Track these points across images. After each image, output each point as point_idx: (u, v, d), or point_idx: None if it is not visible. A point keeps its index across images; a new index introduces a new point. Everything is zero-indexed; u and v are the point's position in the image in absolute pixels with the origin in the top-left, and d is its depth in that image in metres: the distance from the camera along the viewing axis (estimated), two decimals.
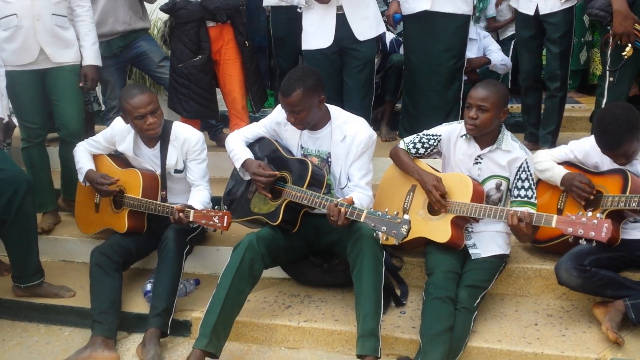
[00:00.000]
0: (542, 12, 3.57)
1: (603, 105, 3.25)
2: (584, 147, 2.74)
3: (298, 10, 3.51)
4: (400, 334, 2.55)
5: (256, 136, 2.93)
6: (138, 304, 2.93)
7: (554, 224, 2.31)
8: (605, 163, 2.65)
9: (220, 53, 3.70)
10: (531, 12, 3.61)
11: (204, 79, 3.67)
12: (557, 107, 3.70)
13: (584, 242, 2.28)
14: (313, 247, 2.83)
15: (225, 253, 2.69)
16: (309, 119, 2.64)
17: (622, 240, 2.56)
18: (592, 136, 2.70)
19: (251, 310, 2.77)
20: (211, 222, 2.61)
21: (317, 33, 3.42)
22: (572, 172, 2.68)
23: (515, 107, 4.53)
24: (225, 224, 2.60)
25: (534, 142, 3.71)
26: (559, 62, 3.59)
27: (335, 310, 2.75)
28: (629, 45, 3.05)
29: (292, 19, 3.88)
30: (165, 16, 3.79)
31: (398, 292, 2.81)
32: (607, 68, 3.23)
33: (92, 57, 3.35)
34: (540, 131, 3.76)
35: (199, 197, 2.92)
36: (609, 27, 3.13)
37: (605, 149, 2.54)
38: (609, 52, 3.16)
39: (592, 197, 2.60)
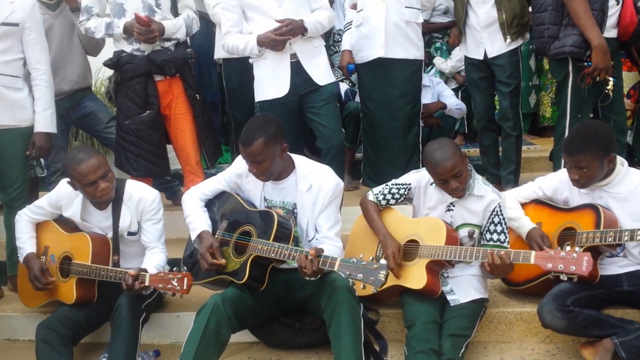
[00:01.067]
0: (489, 55, 3.65)
1: None
2: (551, 183, 2.70)
3: (249, 61, 3.44)
4: None
5: (215, 192, 2.78)
6: None
7: (532, 261, 2.23)
8: (575, 197, 2.61)
9: (170, 107, 3.57)
10: (480, 57, 3.69)
11: (153, 134, 3.51)
12: (513, 146, 3.72)
13: (565, 278, 2.19)
14: (283, 305, 2.64)
15: (187, 319, 2.49)
16: (272, 168, 2.52)
17: (601, 277, 2.49)
18: (560, 171, 2.68)
19: None
20: (169, 286, 2.41)
21: (272, 83, 3.35)
22: (536, 230, 2.59)
23: (472, 150, 4.57)
24: (185, 287, 2.40)
25: (497, 182, 3.70)
26: (509, 102, 3.65)
27: None
28: (611, 79, 3.10)
29: (244, 70, 3.79)
30: (109, 72, 3.65)
31: (376, 347, 2.63)
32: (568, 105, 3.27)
33: (42, 123, 3.17)
34: (502, 172, 3.78)
35: (154, 261, 2.71)
36: (585, 64, 3.14)
37: (566, 151, 2.48)
38: (586, 89, 3.18)
39: None
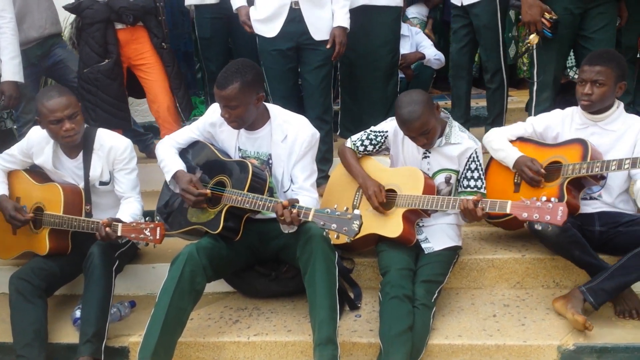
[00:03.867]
0: (465, 2, 3.58)
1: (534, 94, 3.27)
2: (544, 120, 2.74)
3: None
4: (358, 338, 2.41)
5: (189, 141, 2.73)
6: (67, 334, 2.64)
7: (508, 210, 2.25)
8: (567, 133, 2.65)
9: (137, 58, 3.46)
10: (458, 3, 3.63)
11: (111, 85, 3.41)
12: (491, 100, 3.68)
13: (540, 227, 2.22)
14: (259, 255, 2.65)
15: (163, 270, 2.47)
16: (244, 116, 2.47)
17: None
18: (554, 110, 2.76)
19: (195, 329, 2.55)
20: (142, 236, 2.38)
21: (266, 21, 3.21)
22: (525, 156, 2.63)
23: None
24: (158, 237, 2.37)
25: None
26: (486, 54, 3.58)
27: (287, 321, 2.58)
28: (533, 33, 3.07)
29: (217, 18, 3.69)
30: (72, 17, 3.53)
31: (351, 294, 2.67)
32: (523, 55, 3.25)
33: (10, 72, 3.08)
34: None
35: (128, 210, 2.68)
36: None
37: (589, 62, 2.54)
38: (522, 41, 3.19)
39: (541, 185, 2.59)
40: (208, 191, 2.50)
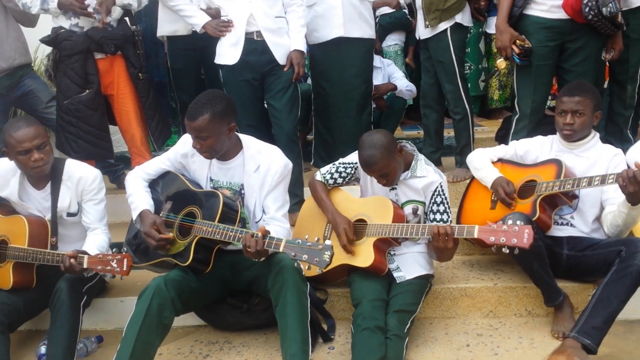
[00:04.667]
0: (420, 37, 3.69)
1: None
2: (525, 144, 2.83)
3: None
4: None
5: (159, 172, 2.70)
6: None
7: (476, 235, 2.26)
8: (544, 157, 2.73)
9: (113, 87, 3.44)
10: (417, 37, 3.75)
11: (93, 115, 3.38)
12: (456, 130, 3.68)
13: (507, 251, 2.23)
14: (230, 286, 2.61)
15: (131, 304, 2.40)
16: (216, 146, 2.46)
17: (545, 236, 2.60)
18: (536, 137, 2.87)
19: None
20: (108, 268, 2.33)
21: (227, 48, 3.28)
22: (502, 177, 2.72)
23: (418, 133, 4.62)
24: (125, 268, 2.32)
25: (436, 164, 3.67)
26: (445, 86, 3.59)
27: (259, 355, 2.53)
28: (500, 59, 3.19)
29: (189, 49, 3.70)
30: (50, 50, 3.49)
31: (325, 326, 2.64)
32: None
33: None
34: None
35: (95, 242, 2.63)
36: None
37: (567, 93, 2.63)
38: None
39: (512, 207, 2.64)
40: (171, 235, 2.45)
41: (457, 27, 3.50)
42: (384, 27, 5.00)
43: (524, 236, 2.14)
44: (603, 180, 2.42)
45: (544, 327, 2.60)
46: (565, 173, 2.57)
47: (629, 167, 2.68)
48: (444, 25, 3.48)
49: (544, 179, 2.61)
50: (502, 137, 3.77)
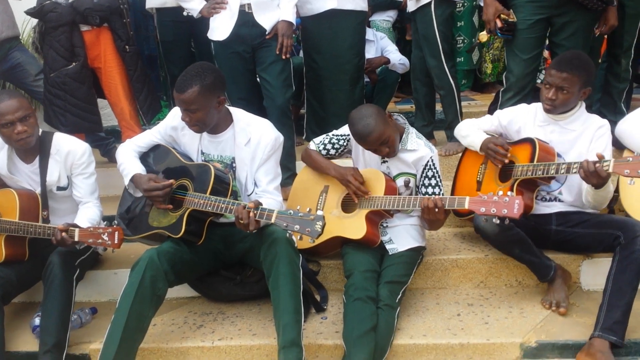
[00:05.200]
0: (408, 10, 3.64)
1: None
2: (509, 114, 2.77)
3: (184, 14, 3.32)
4: (324, 340, 2.40)
5: (150, 144, 2.69)
6: (27, 342, 2.57)
7: (466, 206, 2.27)
8: (528, 128, 2.67)
9: (100, 60, 3.40)
10: (409, 9, 3.68)
11: (80, 88, 3.35)
12: (445, 105, 3.64)
13: (497, 221, 2.24)
14: (223, 259, 2.62)
15: (124, 276, 2.41)
16: (206, 119, 2.44)
17: (533, 215, 2.61)
18: (519, 105, 2.83)
19: (158, 335, 2.50)
20: (100, 241, 2.33)
21: (218, 24, 3.23)
22: (489, 137, 2.71)
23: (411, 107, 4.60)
24: (116, 241, 2.32)
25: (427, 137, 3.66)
26: (429, 61, 3.56)
27: (252, 325, 2.55)
28: (482, 33, 3.20)
29: (179, 21, 3.64)
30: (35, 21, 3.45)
31: (317, 297, 2.66)
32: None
33: None
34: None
35: (87, 215, 2.62)
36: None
37: (556, 67, 2.53)
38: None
39: (506, 160, 2.61)
40: (173, 181, 2.44)
41: (442, 0, 3.44)
42: (372, 5, 4.95)
43: (514, 206, 2.15)
44: (568, 169, 2.40)
45: (534, 296, 2.63)
46: (538, 154, 2.51)
47: (616, 141, 2.69)
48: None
49: (520, 160, 2.58)
50: (494, 111, 3.76)
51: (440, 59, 3.50)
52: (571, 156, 2.57)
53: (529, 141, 2.60)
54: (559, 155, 2.59)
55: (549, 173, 2.46)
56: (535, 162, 2.51)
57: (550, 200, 2.65)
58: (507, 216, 2.18)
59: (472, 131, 2.80)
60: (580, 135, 2.60)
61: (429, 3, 3.44)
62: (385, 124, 2.48)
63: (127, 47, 3.41)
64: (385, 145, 2.49)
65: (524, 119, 2.70)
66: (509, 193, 2.19)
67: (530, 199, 2.57)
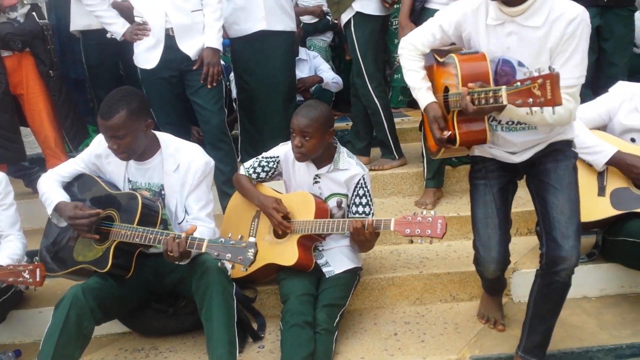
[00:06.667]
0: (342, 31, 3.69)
1: None
2: (451, 18, 2.11)
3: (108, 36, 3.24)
4: None
5: (74, 174, 2.58)
6: None
7: (392, 228, 2.30)
8: (481, 33, 2.04)
9: (22, 86, 3.25)
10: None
11: (2, 116, 3.19)
12: (374, 124, 3.67)
13: (422, 242, 2.26)
14: (154, 290, 2.53)
15: (50, 315, 2.28)
16: (134, 145, 2.36)
17: None
18: (460, 1, 2.14)
19: None
20: (20, 279, 2.21)
21: (146, 53, 3.15)
22: (433, 105, 2.15)
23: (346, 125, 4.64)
24: (38, 279, 2.21)
25: (360, 154, 3.68)
26: (355, 80, 3.59)
27: (186, 359, 2.47)
28: None
29: (104, 44, 3.55)
30: None
31: (255, 325, 2.61)
32: None
33: None
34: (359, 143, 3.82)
35: (7, 251, 2.49)
36: None
37: None
38: None
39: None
40: (100, 210, 2.35)
41: (362, 17, 3.46)
42: (308, 31, 5.00)
43: (437, 226, 2.19)
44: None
45: (468, 310, 2.68)
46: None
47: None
48: (346, 17, 3.49)
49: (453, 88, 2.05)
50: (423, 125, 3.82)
51: (364, 79, 3.54)
52: (543, 63, 1.91)
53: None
54: (521, 65, 1.98)
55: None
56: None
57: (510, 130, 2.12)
58: (431, 236, 2.20)
59: (416, 83, 2.21)
60: (548, 35, 1.94)
61: (349, 23, 3.48)
62: (322, 127, 2.47)
63: (50, 72, 3.28)
64: (302, 139, 2.47)
65: (472, 21, 2.07)
66: (431, 212, 2.24)
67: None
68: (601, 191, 2.56)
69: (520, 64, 1.99)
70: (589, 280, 2.74)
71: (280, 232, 2.55)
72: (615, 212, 2.53)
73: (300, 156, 2.53)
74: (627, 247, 2.50)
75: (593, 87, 3.36)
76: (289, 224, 2.52)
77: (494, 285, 2.51)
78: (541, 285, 2.18)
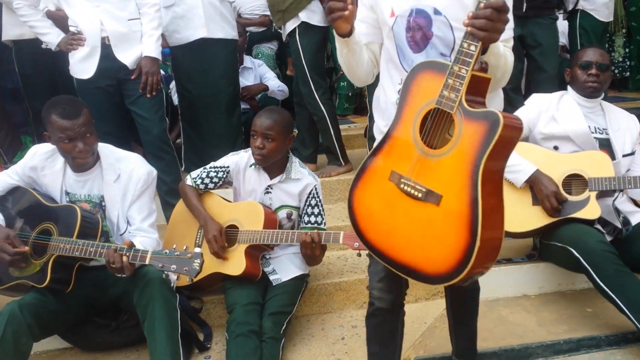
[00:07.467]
0: (284, 40, 3.69)
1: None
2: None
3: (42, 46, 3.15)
4: None
5: (7, 187, 2.49)
6: None
7: (341, 241, 2.32)
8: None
9: None
10: (284, 40, 3.76)
11: None
12: (320, 131, 3.71)
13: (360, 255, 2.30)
14: (95, 304, 2.46)
15: None
16: (95, 147, 2.38)
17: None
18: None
19: None
20: None
21: (82, 63, 3.08)
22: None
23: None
24: None
25: (308, 162, 3.73)
26: (299, 88, 3.64)
27: None
28: None
29: (39, 53, 3.43)
30: None
31: (201, 336, 2.58)
32: None
33: None
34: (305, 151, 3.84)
35: None
36: None
37: None
38: None
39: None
40: (27, 248, 2.27)
41: (307, 27, 3.50)
42: (255, 39, 5.01)
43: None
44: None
45: (413, 312, 2.72)
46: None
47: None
48: (291, 26, 3.52)
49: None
50: (368, 134, 3.89)
51: (310, 87, 3.57)
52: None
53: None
54: (437, 13, 1.67)
55: None
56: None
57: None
58: (359, 249, 2.21)
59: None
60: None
61: (294, 32, 3.50)
62: (283, 129, 2.50)
63: None
64: (264, 140, 2.48)
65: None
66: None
67: None
68: (535, 200, 2.63)
69: (437, 12, 1.67)
70: (529, 279, 2.85)
71: (221, 257, 2.52)
72: (549, 220, 2.61)
73: (261, 158, 2.52)
74: (558, 251, 2.60)
75: (525, 94, 3.51)
76: (225, 256, 2.50)
77: None
78: (453, 297, 2.18)
